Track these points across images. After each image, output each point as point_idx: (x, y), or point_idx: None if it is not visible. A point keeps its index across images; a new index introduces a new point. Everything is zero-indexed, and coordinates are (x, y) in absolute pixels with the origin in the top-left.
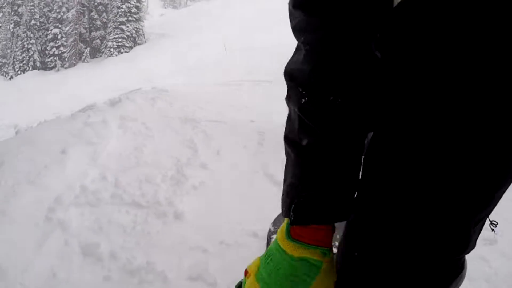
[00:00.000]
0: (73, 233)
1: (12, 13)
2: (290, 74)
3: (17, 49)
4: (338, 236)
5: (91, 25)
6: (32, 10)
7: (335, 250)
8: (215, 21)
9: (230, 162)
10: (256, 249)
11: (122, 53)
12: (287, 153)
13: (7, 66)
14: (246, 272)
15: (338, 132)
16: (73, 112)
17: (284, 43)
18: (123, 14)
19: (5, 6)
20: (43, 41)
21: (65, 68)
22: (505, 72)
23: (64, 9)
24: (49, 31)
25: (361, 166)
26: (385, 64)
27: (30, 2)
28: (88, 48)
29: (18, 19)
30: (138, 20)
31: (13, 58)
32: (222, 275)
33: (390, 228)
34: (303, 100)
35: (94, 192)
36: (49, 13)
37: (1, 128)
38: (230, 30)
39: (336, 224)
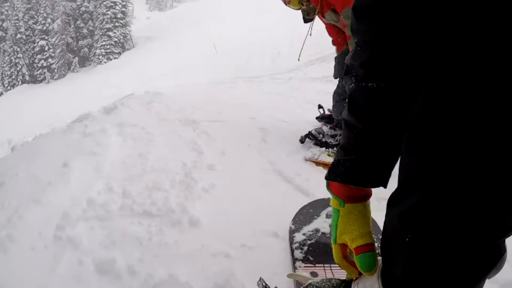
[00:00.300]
0: (85, 251)
1: None
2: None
3: (4, 65)
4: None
5: (77, 34)
6: (17, 24)
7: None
8: (202, 21)
9: (237, 162)
10: (279, 249)
11: (111, 59)
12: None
13: None
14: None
15: (379, 113)
16: (67, 123)
17: (273, 40)
18: (109, 21)
19: None
20: (31, 54)
21: (55, 79)
22: None
23: (49, 20)
24: (36, 44)
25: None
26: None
27: (15, 16)
28: (77, 58)
29: (4, 34)
30: (125, 25)
31: (1, 74)
32: (249, 279)
33: (441, 212)
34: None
35: (102, 205)
36: (35, 26)
37: None
38: (218, 29)
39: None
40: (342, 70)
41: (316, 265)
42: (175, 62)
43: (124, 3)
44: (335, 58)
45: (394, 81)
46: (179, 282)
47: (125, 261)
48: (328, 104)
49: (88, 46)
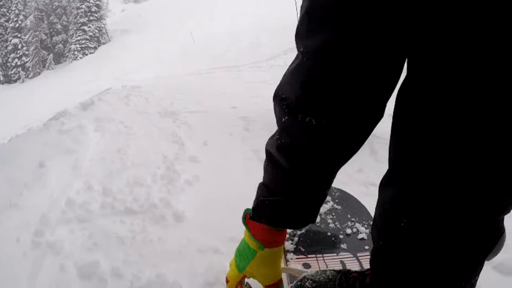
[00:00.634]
0: (67, 255)
1: None
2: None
3: None
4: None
5: (51, 30)
6: None
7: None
8: (179, 12)
9: (220, 152)
10: None
11: (86, 54)
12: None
13: None
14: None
15: (315, 158)
16: (44, 122)
17: (252, 29)
18: (83, 15)
19: None
20: (3, 53)
21: (30, 78)
22: None
23: (21, 17)
24: (9, 42)
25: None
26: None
27: None
28: (51, 55)
29: None
30: (99, 18)
31: None
32: None
33: (436, 193)
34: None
35: (82, 204)
36: (6, 23)
37: None
38: (195, 20)
39: None
40: None
41: (308, 256)
42: (152, 55)
43: None
44: None
45: (341, 112)
46: (167, 282)
47: (109, 263)
48: None
49: (62, 42)
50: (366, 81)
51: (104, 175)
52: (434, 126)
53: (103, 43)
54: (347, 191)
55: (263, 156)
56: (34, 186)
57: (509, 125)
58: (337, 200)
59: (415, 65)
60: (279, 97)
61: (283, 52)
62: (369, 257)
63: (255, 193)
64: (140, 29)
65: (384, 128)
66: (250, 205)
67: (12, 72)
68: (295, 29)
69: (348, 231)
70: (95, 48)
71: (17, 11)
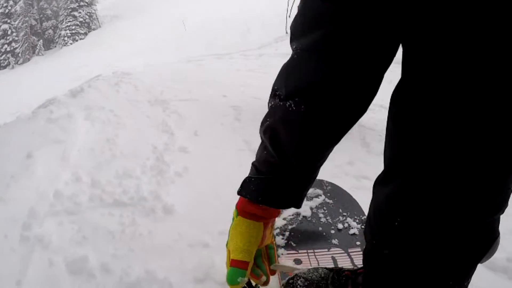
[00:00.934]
0: (55, 250)
1: None
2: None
3: None
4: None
5: (41, 16)
6: None
7: None
8: None
9: (211, 142)
10: None
11: (77, 40)
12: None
13: None
14: None
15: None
16: (33, 109)
17: (242, 16)
18: (73, 0)
19: None
20: None
21: (19, 64)
22: None
23: (11, 2)
24: None
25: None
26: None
27: None
28: (41, 40)
29: None
30: (90, 4)
31: None
32: None
33: (431, 192)
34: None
35: (70, 197)
36: None
37: None
38: (186, 6)
39: None
40: None
41: (299, 251)
42: (143, 41)
43: None
44: None
45: (320, 103)
46: (157, 279)
47: (98, 258)
48: None
49: (52, 28)
50: (347, 79)
51: (93, 166)
52: (430, 124)
53: (94, 29)
54: (338, 184)
55: (254, 147)
56: (21, 177)
57: (503, 123)
58: (328, 194)
59: (411, 66)
60: (273, 90)
61: (274, 40)
62: (360, 253)
63: None
64: (130, 15)
65: (375, 119)
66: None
67: (2, 58)
68: (290, 30)
69: (340, 226)
70: (86, 34)
71: None
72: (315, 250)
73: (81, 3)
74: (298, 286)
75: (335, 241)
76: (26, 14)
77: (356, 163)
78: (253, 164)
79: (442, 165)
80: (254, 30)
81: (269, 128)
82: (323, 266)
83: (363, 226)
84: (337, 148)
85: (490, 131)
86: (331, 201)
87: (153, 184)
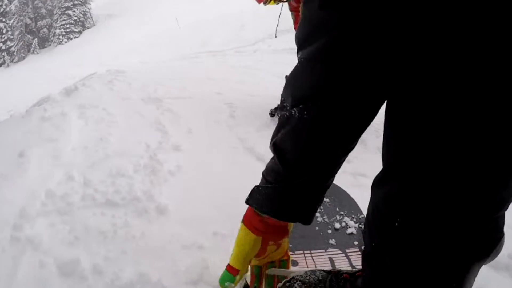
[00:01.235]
0: (46, 251)
1: None
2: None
3: None
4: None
5: (36, 15)
6: None
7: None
8: None
9: (205, 140)
10: None
11: (71, 39)
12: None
13: None
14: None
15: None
16: (27, 108)
17: (236, 13)
18: None
19: None
20: None
21: (14, 62)
22: None
23: (6, 1)
24: None
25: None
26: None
27: None
28: (36, 39)
29: None
30: (84, 3)
31: None
32: None
33: (432, 190)
34: None
35: (62, 196)
36: None
37: None
38: (180, 4)
39: None
40: None
41: (295, 252)
42: (137, 39)
43: None
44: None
45: (335, 102)
46: (150, 281)
47: (90, 260)
48: None
49: (47, 27)
50: (352, 86)
51: (86, 165)
52: (428, 124)
53: (88, 28)
54: (335, 181)
55: (249, 145)
56: (13, 177)
57: (500, 121)
58: None
59: (408, 67)
60: (281, 102)
61: (268, 36)
62: (358, 253)
63: (239, 183)
64: (125, 14)
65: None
66: (233, 196)
67: None
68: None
69: (337, 225)
70: (80, 32)
71: None
72: (312, 251)
73: (75, 2)
74: None
75: (332, 241)
76: (21, 13)
77: (352, 160)
78: (262, 174)
79: (442, 164)
80: (248, 26)
81: (275, 138)
82: (320, 268)
83: (361, 225)
84: None
85: (489, 129)
86: (327, 200)
87: (146, 183)
